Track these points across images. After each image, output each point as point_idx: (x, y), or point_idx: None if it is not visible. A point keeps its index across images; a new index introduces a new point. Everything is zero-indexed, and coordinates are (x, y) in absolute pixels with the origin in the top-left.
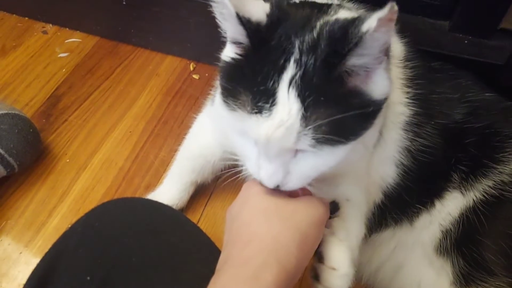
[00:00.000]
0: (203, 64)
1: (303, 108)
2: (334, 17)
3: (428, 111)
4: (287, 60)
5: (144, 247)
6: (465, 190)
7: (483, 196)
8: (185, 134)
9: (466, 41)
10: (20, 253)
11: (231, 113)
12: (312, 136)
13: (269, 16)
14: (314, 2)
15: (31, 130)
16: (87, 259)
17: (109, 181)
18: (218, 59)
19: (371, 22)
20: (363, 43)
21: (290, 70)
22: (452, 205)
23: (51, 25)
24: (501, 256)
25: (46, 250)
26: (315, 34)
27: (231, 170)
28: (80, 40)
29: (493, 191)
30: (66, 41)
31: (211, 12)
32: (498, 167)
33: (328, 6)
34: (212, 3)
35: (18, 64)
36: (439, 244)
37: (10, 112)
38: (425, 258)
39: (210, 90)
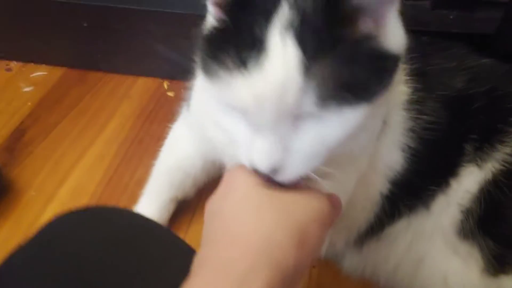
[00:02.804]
0: (178, 81)
1: (303, 56)
2: None
3: (428, 85)
4: (277, 4)
5: (105, 259)
6: (482, 162)
7: (503, 165)
8: None
9: (451, 17)
10: None
11: (214, 83)
12: (316, 92)
13: None
14: None
15: None
16: (34, 277)
17: None
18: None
19: None
20: None
21: (283, 13)
22: (469, 181)
23: (15, 62)
24: None
25: None
26: None
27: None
28: (46, 73)
29: None
30: (32, 75)
31: (177, 22)
32: None
33: None
34: None
35: None
36: (461, 226)
37: None
38: (448, 246)
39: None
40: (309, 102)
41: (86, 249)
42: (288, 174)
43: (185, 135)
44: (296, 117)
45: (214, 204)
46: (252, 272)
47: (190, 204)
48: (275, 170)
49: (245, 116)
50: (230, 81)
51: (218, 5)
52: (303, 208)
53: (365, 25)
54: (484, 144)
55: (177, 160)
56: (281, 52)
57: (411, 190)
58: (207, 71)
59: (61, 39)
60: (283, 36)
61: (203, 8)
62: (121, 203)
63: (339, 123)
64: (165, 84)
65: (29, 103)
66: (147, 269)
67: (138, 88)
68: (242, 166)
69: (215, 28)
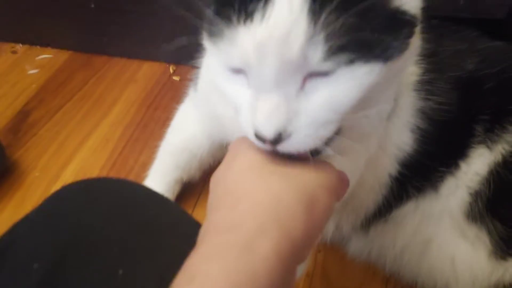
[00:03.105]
0: (184, 66)
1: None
2: None
3: (438, 66)
4: None
5: (109, 225)
6: (492, 143)
7: None
8: None
9: (461, 2)
10: None
11: (218, 44)
12: (325, 43)
13: None
14: None
15: None
16: (37, 245)
17: None
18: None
19: None
20: None
21: None
22: (479, 162)
23: (21, 44)
24: None
25: None
26: None
27: None
28: (51, 56)
29: None
30: (37, 58)
31: (185, 5)
32: None
33: None
34: None
35: None
36: (470, 209)
37: None
38: (455, 229)
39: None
40: (317, 54)
41: (92, 217)
42: (295, 143)
43: (192, 115)
44: (303, 75)
45: (218, 173)
46: (259, 234)
47: (195, 187)
48: (280, 136)
49: (249, 77)
50: (235, 37)
51: None
52: (311, 174)
53: None
54: (494, 125)
55: (184, 140)
56: None
57: (420, 172)
58: (212, 32)
59: (68, 21)
60: None
61: None
62: None
63: (351, 83)
64: (171, 69)
65: (34, 86)
66: (152, 237)
67: (144, 72)
68: (247, 137)
69: None
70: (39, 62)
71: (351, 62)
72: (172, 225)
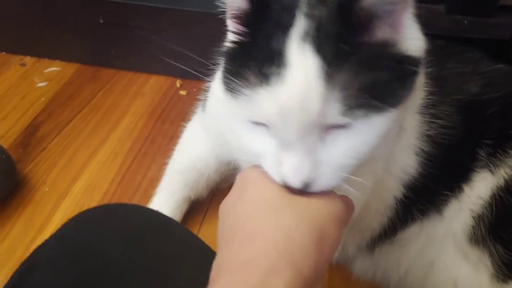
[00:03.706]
0: (191, 80)
1: (323, 64)
2: None
3: (442, 89)
4: (293, 16)
5: (125, 254)
6: (495, 168)
7: None
8: None
9: (466, 22)
10: None
11: (236, 99)
12: (341, 101)
13: None
14: None
15: (3, 156)
16: (56, 273)
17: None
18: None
19: None
20: None
21: (299, 24)
22: (481, 186)
23: (29, 57)
24: None
25: None
26: None
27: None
28: (59, 68)
29: None
30: (45, 70)
31: (193, 20)
32: None
33: None
34: None
35: None
36: (473, 233)
37: None
38: (458, 251)
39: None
40: (334, 111)
41: (107, 244)
42: (319, 186)
43: (200, 135)
44: (324, 129)
45: (228, 204)
46: (273, 273)
47: (202, 205)
48: (307, 185)
49: (272, 131)
50: (254, 97)
51: (237, 19)
52: (319, 209)
53: (382, 31)
54: (497, 149)
55: (192, 159)
56: (301, 62)
57: (425, 195)
58: (230, 88)
59: (76, 35)
60: (301, 47)
61: (218, 7)
62: (134, 202)
63: (368, 131)
64: (178, 83)
65: (43, 99)
66: (165, 263)
67: (151, 86)
68: (256, 167)
69: (235, 44)
70: (47, 75)
71: (366, 113)
72: (186, 253)
